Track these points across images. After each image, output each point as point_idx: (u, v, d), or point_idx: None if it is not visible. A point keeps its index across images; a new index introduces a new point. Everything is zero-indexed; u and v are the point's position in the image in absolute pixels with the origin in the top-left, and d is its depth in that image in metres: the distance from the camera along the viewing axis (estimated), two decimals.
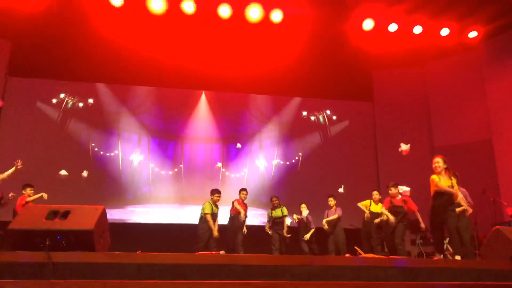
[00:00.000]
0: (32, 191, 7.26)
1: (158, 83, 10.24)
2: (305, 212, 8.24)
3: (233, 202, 7.99)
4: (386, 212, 7.30)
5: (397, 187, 7.48)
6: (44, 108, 9.71)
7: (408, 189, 7.34)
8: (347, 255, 6.93)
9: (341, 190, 8.45)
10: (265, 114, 10.62)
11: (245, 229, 7.79)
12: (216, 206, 7.77)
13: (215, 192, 7.81)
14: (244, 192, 8.02)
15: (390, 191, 7.53)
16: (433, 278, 3.91)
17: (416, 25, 9.31)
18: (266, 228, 8.26)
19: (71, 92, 9.90)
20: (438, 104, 10.24)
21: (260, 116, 10.60)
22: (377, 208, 7.96)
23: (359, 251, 6.73)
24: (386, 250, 7.45)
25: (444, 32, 9.45)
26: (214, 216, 7.62)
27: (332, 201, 8.29)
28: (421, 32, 9.38)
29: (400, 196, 7.39)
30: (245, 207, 7.98)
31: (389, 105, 10.64)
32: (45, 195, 7.08)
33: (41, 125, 9.59)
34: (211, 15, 8.81)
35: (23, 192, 7.21)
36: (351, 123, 10.77)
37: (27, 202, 6.95)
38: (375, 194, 8.07)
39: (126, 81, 10.18)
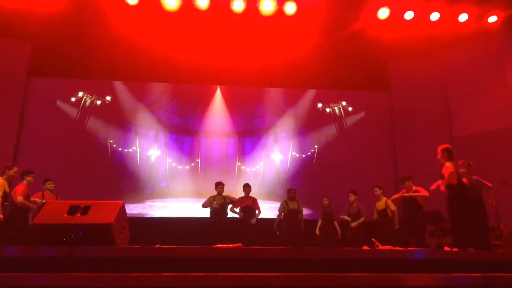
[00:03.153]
0: (31, 178, 7.20)
1: (174, 79, 10.32)
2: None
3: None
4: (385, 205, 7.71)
5: (410, 180, 7.44)
6: (64, 107, 9.90)
7: None
8: (364, 247, 6.89)
9: None
10: (280, 107, 10.59)
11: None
12: (221, 197, 8.17)
13: (217, 184, 8.28)
14: (247, 188, 8.47)
15: (403, 185, 7.50)
16: (453, 270, 3.87)
17: (433, 11, 9.13)
18: (276, 224, 8.39)
19: (89, 90, 10.07)
20: (457, 93, 10.02)
21: (275, 109, 10.58)
22: (381, 204, 7.98)
23: (377, 243, 6.68)
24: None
25: (463, 17, 9.23)
26: (218, 208, 8.08)
27: (352, 197, 8.34)
28: (438, 19, 9.19)
29: (414, 187, 7.35)
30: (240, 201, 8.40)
31: (406, 95, 10.46)
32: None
33: (61, 123, 9.79)
34: (224, 9, 8.83)
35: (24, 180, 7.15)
36: (368, 114, 10.64)
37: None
38: (376, 191, 8.19)
39: (142, 78, 10.29)
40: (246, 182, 8.61)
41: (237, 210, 8.28)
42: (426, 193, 7.10)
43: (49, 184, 7.50)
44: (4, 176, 6.72)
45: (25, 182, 7.11)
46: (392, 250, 4.90)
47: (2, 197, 6.57)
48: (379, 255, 4.20)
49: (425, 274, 3.67)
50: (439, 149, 5.93)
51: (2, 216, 6.51)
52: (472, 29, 9.40)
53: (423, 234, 7.23)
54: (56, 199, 7.14)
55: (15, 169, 6.92)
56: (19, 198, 6.83)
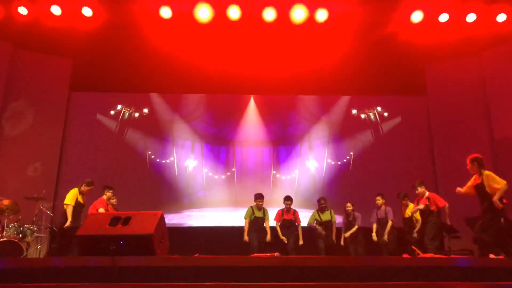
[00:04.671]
0: (111, 193, 7.54)
1: (208, 90, 10.47)
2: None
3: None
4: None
5: (422, 185, 7.26)
6: (104, 120, 10.25)
7: None
8: (404, 255, 6.73)
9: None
10: (314, 114, 10.54)
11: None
12: (261, 210, 7.99)
13: (257, 197, 8.03)
14: (288, 202, 8.16)
15: (416, 191, 7.31)
16: (499, 278, 3.73)
17: (470, 13, 8.86)
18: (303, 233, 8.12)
19: (127, 103, 10.39)
20: (497, 94, 9.64)
21: (309, 117, 10.55)
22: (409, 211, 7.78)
23: (417, 251, 6.52)
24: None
25: (501, 18, 8.91)
26: (258, 219, 7.90)
27: (379, 200, 8.08)
28: (475, 20, 8.91)
29: (427, 194, 7.17)
30: (280, 214, 8.16)
31: (443, 98, 10.16)
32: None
33: (102, 136, 10.14)
34: (256, 19, 8.90)
35: (105, 195, 7.48)
36: (404, 119, 10.42)
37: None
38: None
39: (178, 90, 10.53)
40: (287, 195, 8.31)
41: (276, 225, 8.05)
42: (442, 202, 7.04)
43: (113, 199, 7.80)
44: (81, 188, 7.10)
45: (105, 196, 7.45)
46: (435, 258, 4.78)
47: (75, 206, 6.95)
48: (421, 263, 4.10)
49: (470, 283, 3.56)
50: (468, 159, 5.74)
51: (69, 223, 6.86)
52: (511, 28, 9.07)
53: (435, 238, 6.98)
54: None
55: (92, 187, 7.28)
56: (101, 211, 7.07)
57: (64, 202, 7.03)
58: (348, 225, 8.23)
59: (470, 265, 4.02)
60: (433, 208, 7.04)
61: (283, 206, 8.19)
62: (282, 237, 7.88)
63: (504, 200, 5.94)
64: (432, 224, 6.92)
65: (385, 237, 7.86)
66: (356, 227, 8.09)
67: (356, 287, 3.51)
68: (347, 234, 8.14)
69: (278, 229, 7.99)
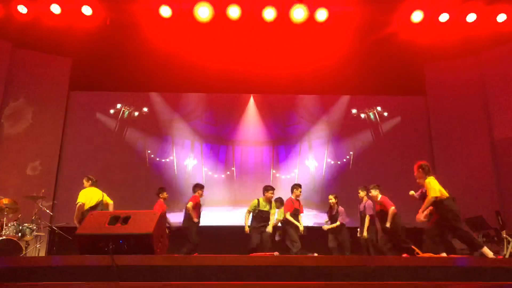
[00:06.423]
0: (202, 192, 8.00)
1: (208, 89, 10.48)
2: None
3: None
4: None
5: (376, 189, 7.22)
6: (103, 119, 10.25)
7: None
8: (404, 255, 6.73)
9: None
10: (314, 114, 10.55)
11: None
12: (269, 203, 7.57)
13: (269, 189, 7.59)
14: (299, 189, 7.76)
15: (370, 194, 7.27)
16: (497, 278, 3.72)
17: (470, 13, 8.88)
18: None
19: (126, 102, 10.39)
20: (497, 94, 9.65)
21: (309, 116, 10.55)
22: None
23: (417, 250, 6.51)
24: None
25: (501, 18, 8.93)
26: (263, 213, 7.47)
27: (361, 193, 7.67)
28: (475, 20, 8.93)
29: (379, 197, 7.17)
30: (291, 203, 7.69)
31: (443, 98, 10.18)
32: None
33: (101, 135, 10.14)
34: (255, 19, 8.90)
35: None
36: (404, 119, 10.42)
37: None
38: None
39: (177, 89, 10.53)
40: (297, 183, 7.91)
41: (289, 216, 7.46)
42: (389, 208, 7.02)
43: (165, 194, 8.13)
44: None
45: (197, 194, 7.92)
46: (434, 258, 4.77)
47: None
48: (420, 262, 4.09)
49: (469, 282, 3.56)
50: (415, 167, 5.77)
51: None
52: (511, 29, 9.07)
53: (397, 239, 7.00)
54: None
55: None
56: (189, 204, 7.77)
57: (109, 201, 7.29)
58: (331, 219, 7.83)
59: (469, 264, 4.02)
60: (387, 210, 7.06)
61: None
62: (301, 228, 7.29)
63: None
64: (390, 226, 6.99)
65: (364, 233, 7.35)
66: (338, 223, 7.67)
67: (356, 287, 3.50)
68: (326, 228, 7.79)
69: (292, 219, 7.38)
